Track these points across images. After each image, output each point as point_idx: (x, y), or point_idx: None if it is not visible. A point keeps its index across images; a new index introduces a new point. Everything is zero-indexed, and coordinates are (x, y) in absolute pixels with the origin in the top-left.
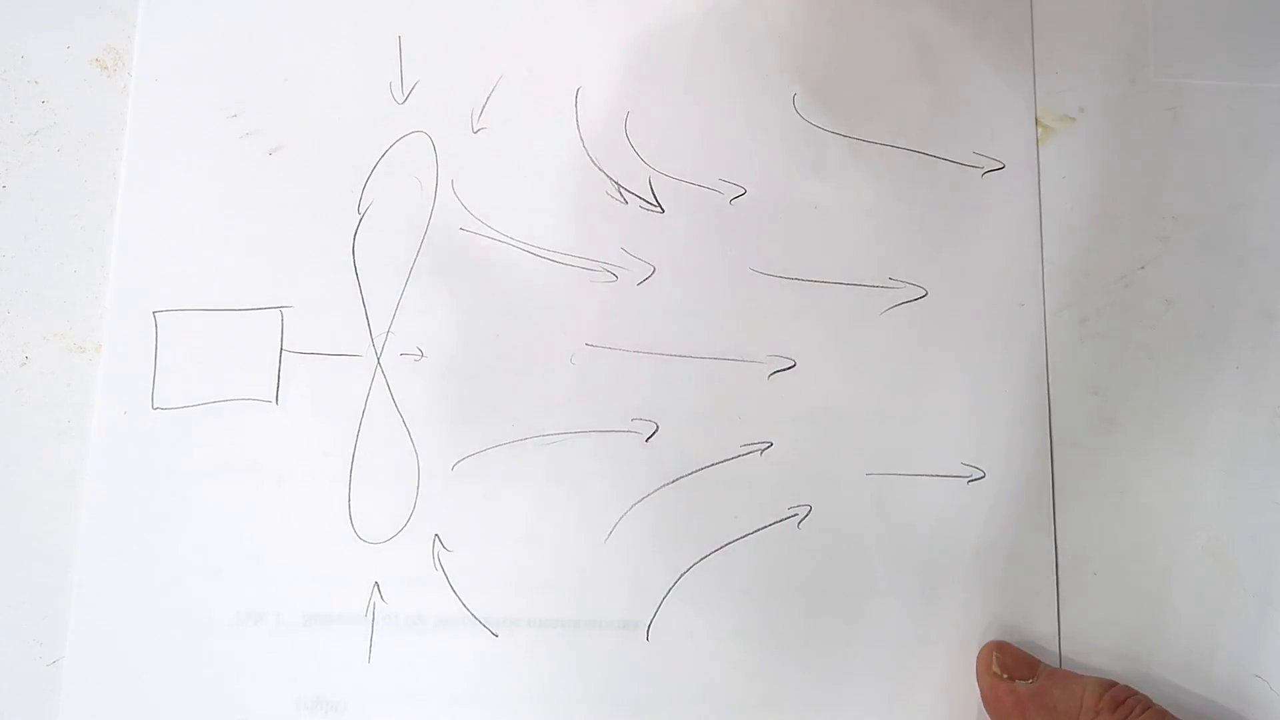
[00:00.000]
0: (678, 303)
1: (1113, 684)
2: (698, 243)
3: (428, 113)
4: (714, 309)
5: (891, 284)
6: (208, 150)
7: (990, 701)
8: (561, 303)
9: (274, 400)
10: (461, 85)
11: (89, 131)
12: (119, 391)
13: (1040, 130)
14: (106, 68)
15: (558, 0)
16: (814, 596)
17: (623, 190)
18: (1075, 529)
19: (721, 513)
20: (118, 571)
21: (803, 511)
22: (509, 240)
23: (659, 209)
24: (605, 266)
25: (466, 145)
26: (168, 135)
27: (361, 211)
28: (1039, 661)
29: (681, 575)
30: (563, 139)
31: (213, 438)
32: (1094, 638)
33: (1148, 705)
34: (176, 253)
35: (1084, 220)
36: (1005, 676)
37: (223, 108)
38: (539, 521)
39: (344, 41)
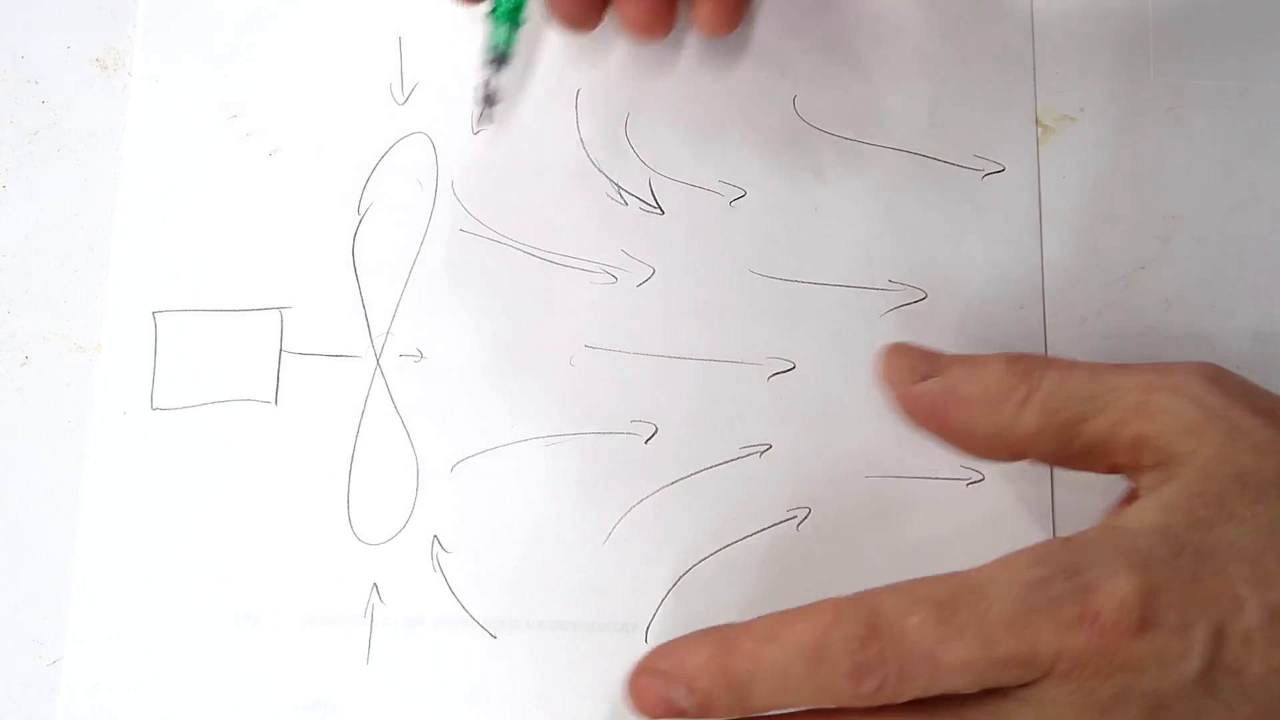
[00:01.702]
0: (677, 304)
1: (1010, 357)
2: (697, 244)
3: (428, 114)
4: (713, 311)
5: (891, 286)
6: (207, 151)
7: (904, 407)
8: (561, 304)
9: (273, 401)
10: (462, 86)
11: (89, 131)
12: (118, 392)
13: (1040, 130)
14: (106, 68)
15: None
16: (813, 598)
17: (622, 192)
18: (1075, 531)
19: (720, 514)
20: (116, 572)
21: (802, 514)
22: (509, 241)
23: (659, 210)
24: (605, 268)
25: (467, 146)
26: (167, 136)
27: (361, 212)
28: (937, 353)
29: (680, 577)
30: (563, 140)
31: (212, 439)
32: None
33: (1049, 362)
34: (176, 254)
35: (1084, 221)
36: (910, 379)
37: (222, 108)
38: (538, 523)
39: (344, 42)
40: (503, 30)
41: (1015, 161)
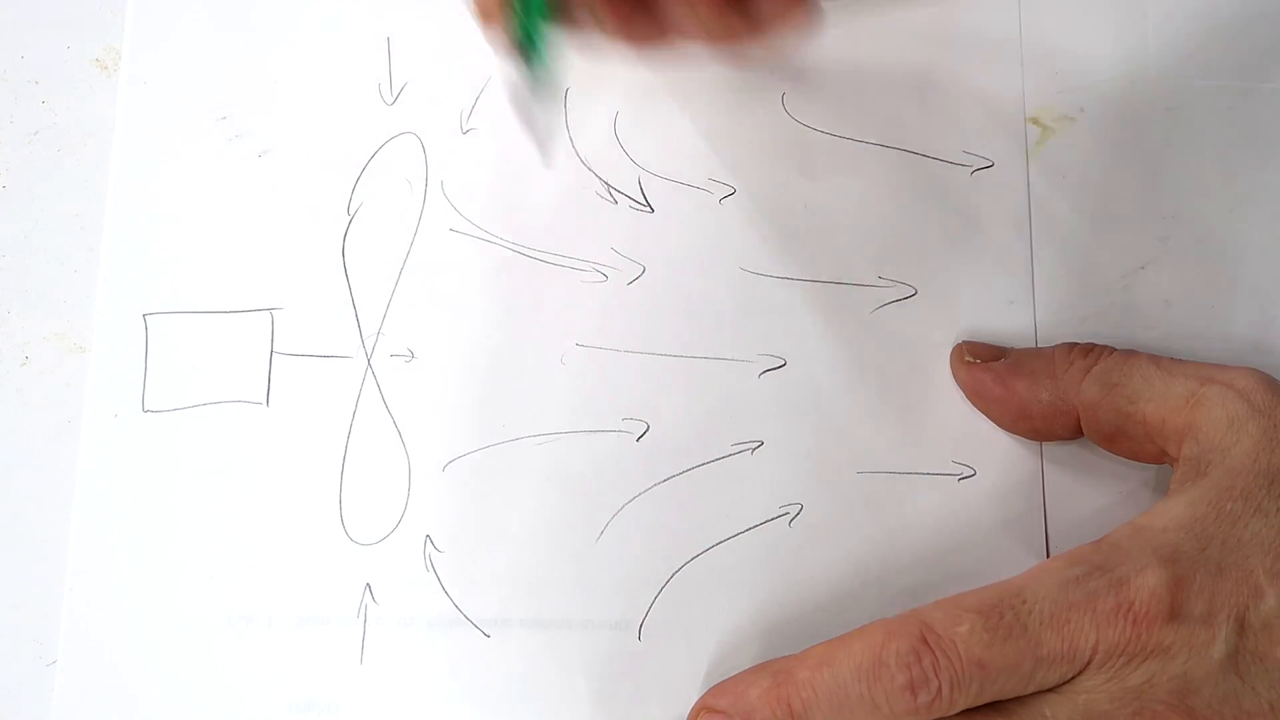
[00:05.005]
0: (668, 302)
1: (1073, 342)
2: (687, 242)
3: (417, 114)
4: (704, 308)
5: (881, 283)
6: (197, 152)
7: (970, 385)
8: (551, 303)
9: (265, 402)
10: (450, 86)
11: (89, 131)
12: (109, 395)
13: (1040, 130)
14: (106, 68)
15: None
16: (805, 594)
17: (612, 190)
18: (1066, 527)
19: (713, 512)
20: (110, 575)
21: (794, 510)
22: (498, 241)
23: (648, 209)
24: (595, 266)
25: (456, 146)
26: (156, 138)
27: (351, 213)
28: (1006, 347)
29: (673, 574)
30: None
31: (204, 440)
32: None
33: (1113, 349)
34: (166, 256)
35: (1083, 220)
36: (979, 362)
37: (211, 110)
38: (530, 522)
39: (333, 43)
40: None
41: (1004, 157)
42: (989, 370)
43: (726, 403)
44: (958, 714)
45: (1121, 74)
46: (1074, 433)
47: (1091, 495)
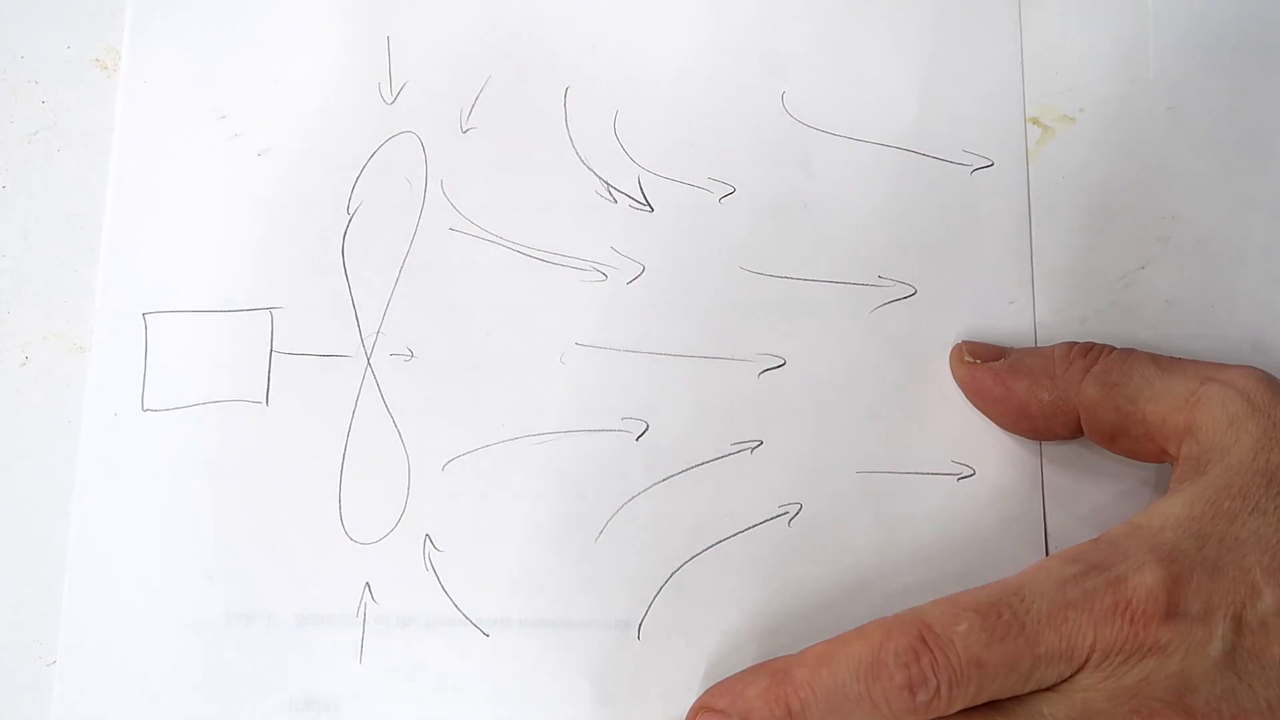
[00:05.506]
0: (667, 302)
1: (1072, 342)
2: (687, 242)
3: (416, 113)
4: (704, 308)
5: (881, 282)
6: (196, 152)
7: (970, 385)
8: (551, 302)
9: (264, 401)
10: (450, 85)
11: (89, 131)
12: (109, 394)
13: (1040, 130)
14: (106, 68)
15: (546, 0)
16: (805, 594)
17: (612, 189)
18: (1066, 527)
19: (712, 511)
20: (109, 574)
21: (793, 510)
22: (498, 240)
23: (648, 208)
24: (595, 266)
25: (455, 145)
26: (156, 137)
27: (351, 212)
28: (1006, 347)
29: (673, 574)
30: (552, 138)
31: (203, 439)
32: None
33: (1113, 349)
34: (166, 255)
35: (1084, 220)
36: (978, 362)
37: (211, 109)
38: (530, 521)
39: (332, 42)
40: None
41: (1004, 156)
42: (989, 370)
43: (726, 402)
44: (956, 713)
45: (1121, 74)
46: (1074, 432)
47: (1091, 495)
